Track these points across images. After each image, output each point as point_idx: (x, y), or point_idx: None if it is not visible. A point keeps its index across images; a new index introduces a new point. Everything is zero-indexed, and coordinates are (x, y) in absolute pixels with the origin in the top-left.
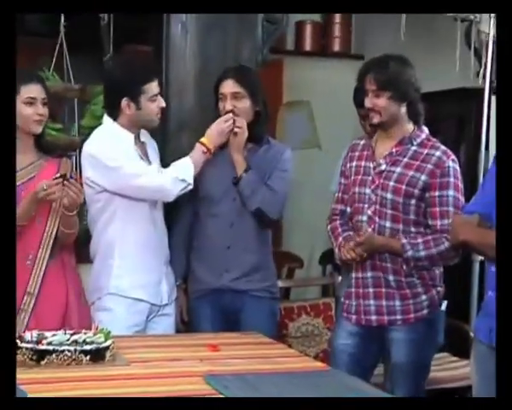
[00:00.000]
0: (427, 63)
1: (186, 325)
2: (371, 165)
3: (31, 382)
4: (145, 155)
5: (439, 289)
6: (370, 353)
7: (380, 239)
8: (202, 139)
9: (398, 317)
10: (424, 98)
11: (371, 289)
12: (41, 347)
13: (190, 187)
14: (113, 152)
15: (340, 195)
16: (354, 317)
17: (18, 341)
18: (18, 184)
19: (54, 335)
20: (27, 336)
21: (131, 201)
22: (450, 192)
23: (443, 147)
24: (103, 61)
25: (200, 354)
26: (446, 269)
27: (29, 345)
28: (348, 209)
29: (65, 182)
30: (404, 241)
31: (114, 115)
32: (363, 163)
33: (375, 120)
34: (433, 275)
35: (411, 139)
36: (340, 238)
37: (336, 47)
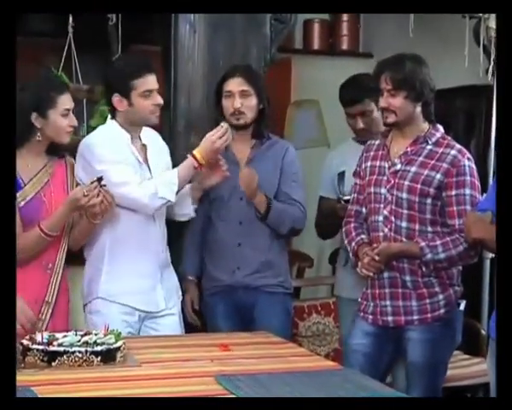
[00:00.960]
0: (436, 60)
1: (197, 314)
2: (386, 164)
3: (42, 383)
4: (144, 159)
5: (456, 288)
6: (386, 353)
7: (396, 246)
8: (195, 153)
9: (415, 317)
10: (434, 95)
11: (387, 290)
12: (52, 348)
13: (171, 203)
14: (102, 155)
15: (355, 195)
16: (371, 317)
17: (29, 342)
18: (37, 191)
19: (64, 336)
20: (38, 337)
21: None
22: (467, 191)
23: (458, 145)
24: (111, 62)
25: (211, 355)
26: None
27: (40, 346)
28: (364, 210)
29: (101, 190)
30: (422, 244)
31: (112, 113)
32: (378, 163)
33: (391, 119)
34: (450, 274)
35: (426, 138)
36: (353, 243)
37: (344, 45)
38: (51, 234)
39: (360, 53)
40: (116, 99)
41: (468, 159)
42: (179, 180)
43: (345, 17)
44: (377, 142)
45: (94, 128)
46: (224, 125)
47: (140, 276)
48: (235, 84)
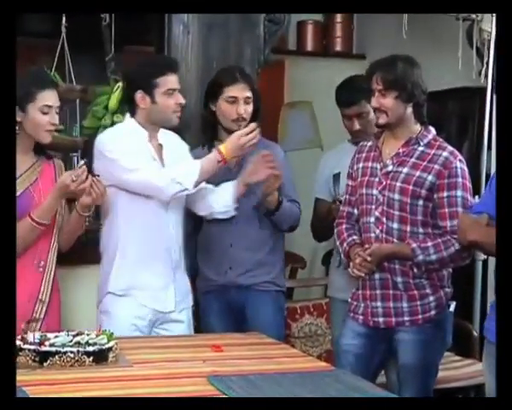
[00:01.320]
0: (430, 62)
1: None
2: (378, 166)
3: (33, 383)
4: (160, 158)
5: (446, 290)
6: (377, 354)
7: (387, 248)
8: (221, 147)
9: (406, 318)
10: (426, 97)
11: (378, 291)
12: (44, 348)
13: (188, 192)
14: (114, 144)
15: (347, 197)
16: (361, 318)
17: (21, 342)
18: (26, 186)
19: (56, 336)
20: (30, 337)
21: (136, 200)
22: (459, 193)
23: (450, 147)
24: (105, 62)
25: (203, 355)
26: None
27: (32, 347)
28: (355, 211)
29: (93, 179)
30: (414, 245)
31: (132, 111)
32: (370, 164)
33: (382, 120)
34: (441, 276)
35: (418, 140)
36: (345, 244)
37: (338, 47)
38: (41, 222)
39: (353, 54)
40: (139, 96)
41: (460, 161)
42: (201, 172)
43: (338, 18)
44: (369, 143)
45: (87, 128)
46: (252, 124)
47: (152, 273)
48: (239, 90)
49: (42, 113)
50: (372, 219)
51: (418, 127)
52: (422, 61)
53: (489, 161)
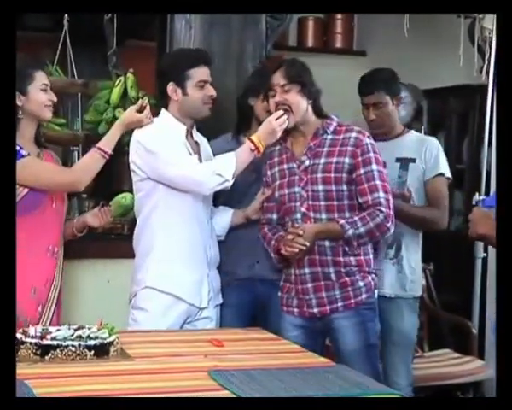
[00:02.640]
0: (431, 59)
1: None
2: (295, 164)
3: (35, 377)
4: (198, 154)
5: (373, 275)
6: (317, 343)
7: (317, 226)
8: (252, 136)
9: (340, 304)
10: (428, 95)
11: (310, 285)
12: (45, 342)
13: (228, 183)
14: (155, 138)
15: (264, 204)
16: (296, 310)
17: (22, 336)
18: None
19: (58, 330)
20: (31, 330)
21: (174, 194)
22: (374, 166)
23: (356, 128)
24: (107, 57)
25: (204, 350)
26: (450, 266)
27: (33, 340)
28: (274, 216)
29: (101, 210)
30: (342, 221)
31: (165, 104)
32: (285, 166)
33: (291, 122)
34: (369, 262)
35: (325, 129)
36: (273, 241)
37: (338, 43)
38: (105, 150)
39: (354, 51)
40: (170, 88)
41: (369, 137)
42: (237, 163)
43: (339, 15)
44: (277, 147)
45: (88, 122)
46: (279, 111)
47: (187, 267)
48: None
49: (42, 91)
50: (298, 216)
51: (319, 121)
52: (424, 59)
53: (489, 158)
